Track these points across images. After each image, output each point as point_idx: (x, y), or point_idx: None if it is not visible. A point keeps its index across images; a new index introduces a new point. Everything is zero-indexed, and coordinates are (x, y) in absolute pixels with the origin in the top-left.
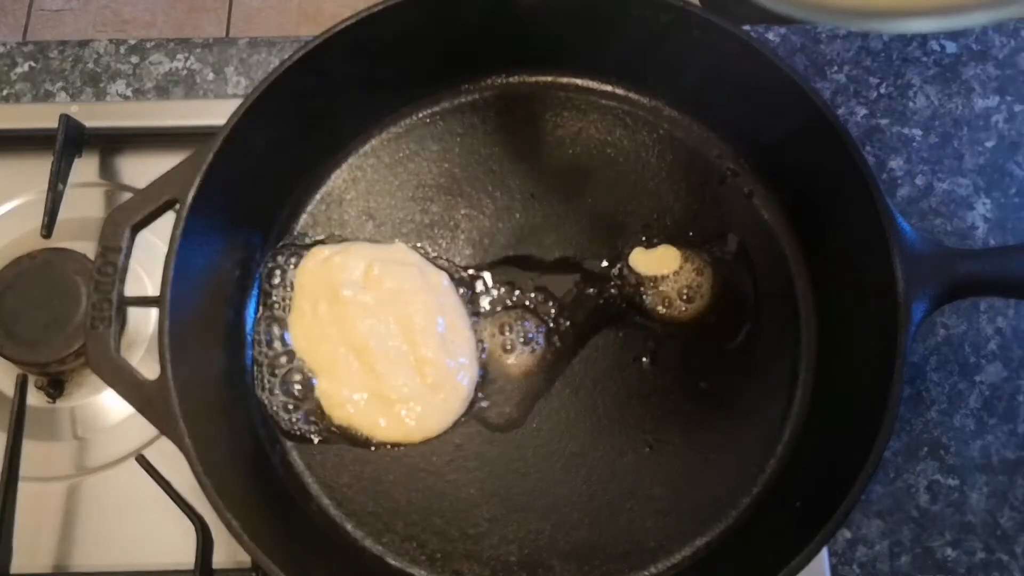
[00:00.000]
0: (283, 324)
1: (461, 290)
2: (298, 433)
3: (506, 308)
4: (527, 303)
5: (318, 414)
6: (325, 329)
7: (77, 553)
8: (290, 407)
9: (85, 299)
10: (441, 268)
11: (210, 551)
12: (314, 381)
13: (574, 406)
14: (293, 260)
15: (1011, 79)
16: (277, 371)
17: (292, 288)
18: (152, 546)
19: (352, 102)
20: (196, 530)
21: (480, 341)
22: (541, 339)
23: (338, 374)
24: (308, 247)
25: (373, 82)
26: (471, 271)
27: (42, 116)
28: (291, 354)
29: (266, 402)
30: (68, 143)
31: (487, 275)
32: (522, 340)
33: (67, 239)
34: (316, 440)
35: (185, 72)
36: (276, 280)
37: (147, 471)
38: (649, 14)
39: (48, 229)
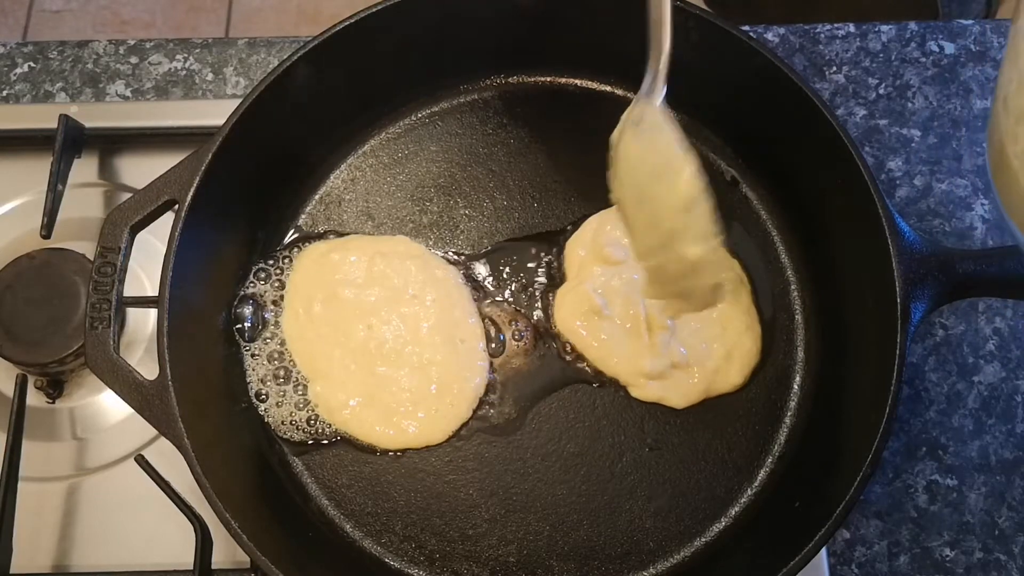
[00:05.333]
0: (281, 325)
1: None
2: (296, 436)
3: (507, 307)
4: (527, 303)
5: (316, 417)
6: (320, 330)
7: (77, 553)
8: (288, 410)
9: (84, 299)
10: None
11: (209, 551)
12: (310, 384)
13: (573, 407)
14: (291, 260)
15: None
16: (275, 373)
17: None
18: (152, 546)
19: (351, 102)
20: (195, 530)
21: (485, 340)
22: (541, 339)
23: (334, 377)
24: (307, 247)
25: (372, 82)
26: (472, 269)
27: (42, 116)
28: (289, 356)
29: (264, 404)
30: (68, 143)
31: (487, 273)
32: (523, 340)
33: (67, 239)
34: (314, 442)
35: (184, 72)
36: (274, 280)
37: (146, 471)
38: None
39: (48, 229)
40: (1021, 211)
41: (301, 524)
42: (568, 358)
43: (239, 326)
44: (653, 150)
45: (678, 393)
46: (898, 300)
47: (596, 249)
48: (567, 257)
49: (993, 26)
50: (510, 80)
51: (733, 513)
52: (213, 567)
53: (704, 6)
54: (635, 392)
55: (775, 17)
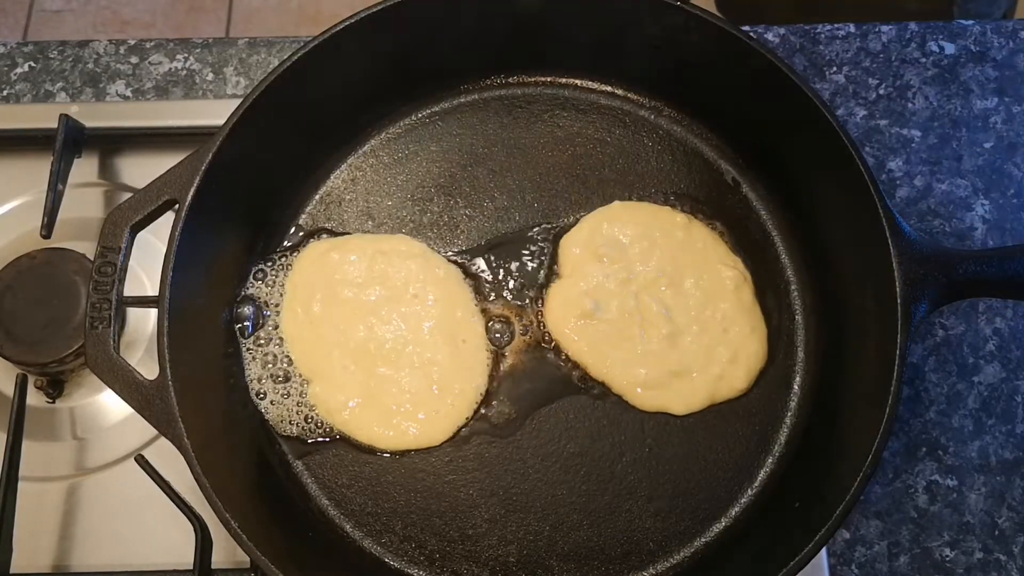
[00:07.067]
0: (280, 325)
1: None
2: (296, 435)
3: (508, 307)
4: (527, 303)
5: (315, 417)
6: (319, 330)
7: (77, 553)
8: (288, 409)
9: (84, 299)
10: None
11: (209, 551)
12: (309, 385)
13: (573, 407)
14: (291, 260)
15: (1010, 80)
16: (275, 373)
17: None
18: (151, 546)
19: (351, 102)
20: (195, 530)
21: (487, 340)
22: (543, 339)
23: (333, 378)
24: (307, 246)
25: (373, 82)
26: (472, 268)
27: (42, 116)
28: (289, 356)
29: (264, 404)
30: (68, 143)
31: (488, 273)
32: (525, 338)
33: (67, 239)
34: (314, 442)
35: (184, 72)
36: (274, 280)
37: (146, 471)
38: (649, 15)
39: (48, 229)
40: None
41: (301, 524)
42: (566, 361)
43: (239, 326)
44: None
45: (680, 402)
46: (899, 300)
47: (592, 248)
48: (561, 253)
49: (993, 26)
50: (510, 80)
51: (733, 513)
52: (213, 567)
53: (705, 6)
54: (634, 401)
55: (783, 17)
